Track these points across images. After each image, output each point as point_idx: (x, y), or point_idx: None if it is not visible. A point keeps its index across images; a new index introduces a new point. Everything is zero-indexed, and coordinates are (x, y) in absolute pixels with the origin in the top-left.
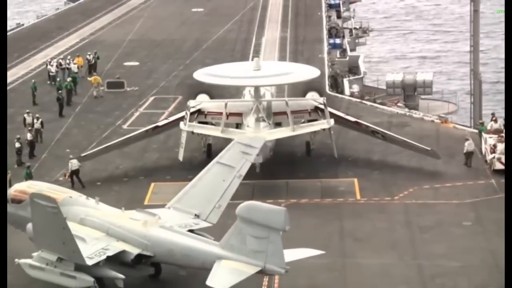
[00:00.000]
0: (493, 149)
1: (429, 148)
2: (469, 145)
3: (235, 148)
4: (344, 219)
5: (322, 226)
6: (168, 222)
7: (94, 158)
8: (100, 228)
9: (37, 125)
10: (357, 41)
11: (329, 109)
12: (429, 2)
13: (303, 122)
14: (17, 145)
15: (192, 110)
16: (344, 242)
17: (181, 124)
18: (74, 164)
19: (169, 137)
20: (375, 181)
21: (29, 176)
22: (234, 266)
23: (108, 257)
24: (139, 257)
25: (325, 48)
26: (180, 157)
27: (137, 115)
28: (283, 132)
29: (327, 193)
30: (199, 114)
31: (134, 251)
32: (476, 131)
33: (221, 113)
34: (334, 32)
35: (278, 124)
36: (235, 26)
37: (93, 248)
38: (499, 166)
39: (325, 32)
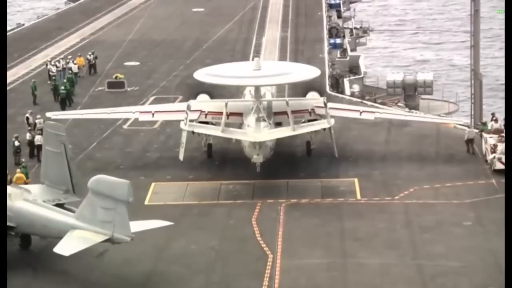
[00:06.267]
0: (494, 149)
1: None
2: (469, 133)
3: (50, 137)
4: (344, 219)
5: (322, 226)
6: (38, 196)
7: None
8: None
9: (40, 125)
10: (357, 41)
11: (343, 113)
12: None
13: (304, 122)
14: (16, 143)
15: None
16: (344, 242)
17: (182, 123)
18: (38, 139)
19: (169, 137)
20: (376, 181)
21: (25, 176)
22: (83, 234)
23: None
24: None
25: (326, 48)
26: (181, 157)
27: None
28: (284, 132)
29: (327, 193)
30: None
31: None
32: (477, 131)
33: (221, 113)
34: (334, 32)
35: (278, 124)
36: (236, 26)
37: None
38: (500, 166)
39: (325, 32)
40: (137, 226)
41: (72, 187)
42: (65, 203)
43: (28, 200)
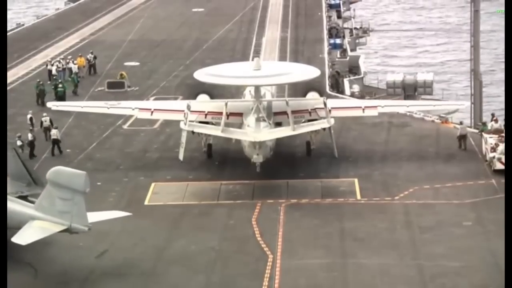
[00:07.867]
0: (494, 149)
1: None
2: (462, 129)
3: None
4: (344, 219)
5: (322, 226)
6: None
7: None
8: None
9: (46, 123)
10: (357, 41)
11: (346, 113)
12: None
13: (304, 122)
14: (19, 143)
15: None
16: (344, 242)
17: (181, 123)
18: (54, 133)
19: (169, 137)
20: (376, 181)
21: None
22: (42, 225)
23: None
24: None
25: (326, 48)
26: (181, 157)
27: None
28: (283, 132)
29: (327, 193)
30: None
31: None
32: (477, 131)
33: (221, 113)
34: (334, 32)
35: (278, 124)
36: (236, 26)
37: None
38: (499, 166)
39: (325, 32)
40: (94, 216)
41: (33, 181)
42: (28, 195)
43: None
